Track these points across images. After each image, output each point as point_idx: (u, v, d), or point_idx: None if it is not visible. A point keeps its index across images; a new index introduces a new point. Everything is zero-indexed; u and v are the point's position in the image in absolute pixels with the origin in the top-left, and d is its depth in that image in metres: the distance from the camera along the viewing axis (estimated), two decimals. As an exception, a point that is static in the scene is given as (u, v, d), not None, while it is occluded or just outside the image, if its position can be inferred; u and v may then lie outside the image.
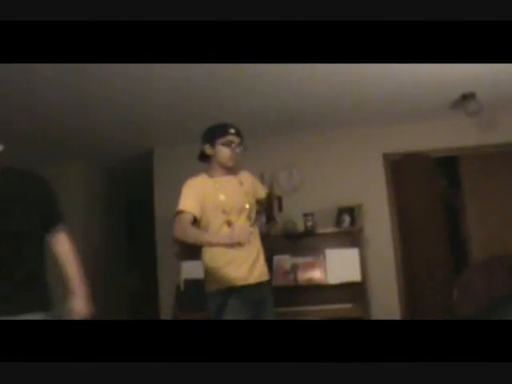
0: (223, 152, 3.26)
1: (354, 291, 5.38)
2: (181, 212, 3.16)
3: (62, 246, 2.86)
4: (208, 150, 3.31)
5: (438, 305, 5.35)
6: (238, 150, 3.28)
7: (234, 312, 3.10)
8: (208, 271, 3.27)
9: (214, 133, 3.30)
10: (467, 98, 5.09)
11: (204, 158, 3.36)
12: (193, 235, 3.11)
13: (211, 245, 3.14)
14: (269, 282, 3.39)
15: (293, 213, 5.72)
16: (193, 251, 5.54)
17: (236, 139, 3.27)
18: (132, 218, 7.89)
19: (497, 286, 4.47)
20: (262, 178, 5.78)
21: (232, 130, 3.27)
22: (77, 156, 6.38)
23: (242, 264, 3.20)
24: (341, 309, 5.25)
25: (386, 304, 5.52)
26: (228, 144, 3.25)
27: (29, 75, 4.01)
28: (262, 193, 3.54)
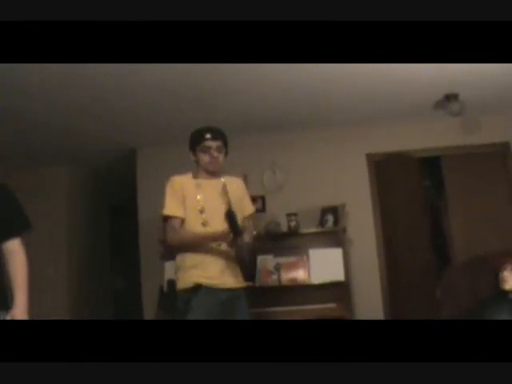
0: (202, 158, 3.33)
1: (338, 291, 5.38)
2: (168, 218, 3.32)
3: (14, 256, 2.80)
4: (191, 157, 3.40)
5: (422, 305, 5.37)
6: (216, 154, 3.33)
7: (197, 310, 3.16)
8: (178, 271, 3.37)
9: (193, 140, 3.38)
10: (450, 98, 5.12)
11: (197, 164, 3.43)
12: (188, 236, 3.29)
13: (208, 240, 3.26)
14: (243, 288, 3.42)
15: (276, 213, 5.72)
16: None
17: (213, 143, 3.32)
18: (115, 218, 7.84)
19: (480, 286, 4.49)
20: (245, 179, 5.80)
21: (208, 135, 3.32)
22: (59, 157, 6.32)
23: (209, 265, 3.26)
24: (324, 309, 5.25)
25: (370, 304, 5.53)
26: (206, 150, 3.32)
27: (12, 76, 3.97)
28: (248, 209, 3.56)
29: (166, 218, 3.34)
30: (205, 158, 3.32)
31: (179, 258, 3.36)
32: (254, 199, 5.52)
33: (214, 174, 3.39)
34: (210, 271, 3.25)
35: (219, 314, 3.18)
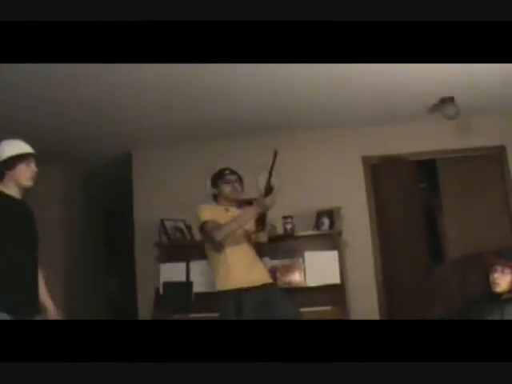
0: (223, 188, 4.10)
1: (333, 294, 5.38)
2: (207, 222, 3.89)
3: None
4: (214, 191, 4.16)
5: (417, 308, 5.36)
6: (236, 185, 4.12)
7: (244, 311, 3.71)
8: (216, 273, 3.96)
9: (216, 177, 4.16)
10: (446, 101, 5.13)
11: (215, 198, 4.18)
12: (230, 227, 3.81)
13: (246, 221, 3.89)
14: (273, 284, 4.11)
15: (272, 215, 5.70)
16: (171, 254, 5.54)
17: (232, 177, 4.12)
18: (111, 220, 7.83)
19: (471, 284, 4.48)
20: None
21: (227, 171, 4.13)
22: (54, 159, 6.30)
23: (243, 266, 3.89)
24: (320, 311, 5.23)
25: (365, 306, 5.53)
26: (227, 181, 4.09)
27: (10, 76, 3.96)
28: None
29: (204, 226, 3.89)
30: (226, 188, 4.07)
31: (215, 259, 3.96)
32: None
33: (233, 203, 4.12)
34: (244, 270, 3.86)
35: (263, 311, 3.75)
